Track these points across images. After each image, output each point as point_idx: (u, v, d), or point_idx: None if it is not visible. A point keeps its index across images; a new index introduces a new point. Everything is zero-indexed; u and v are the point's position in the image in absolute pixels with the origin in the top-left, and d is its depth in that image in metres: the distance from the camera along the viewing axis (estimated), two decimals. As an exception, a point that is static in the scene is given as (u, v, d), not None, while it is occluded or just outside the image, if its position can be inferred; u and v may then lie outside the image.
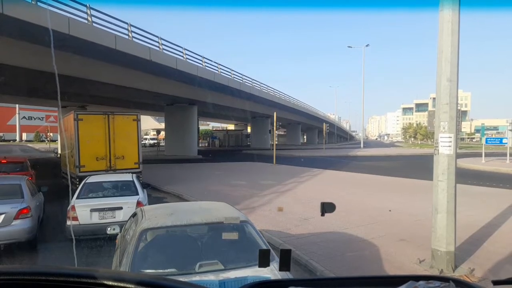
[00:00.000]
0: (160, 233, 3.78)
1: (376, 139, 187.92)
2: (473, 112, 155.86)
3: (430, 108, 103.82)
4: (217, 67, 29.59)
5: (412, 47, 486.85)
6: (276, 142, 46.37)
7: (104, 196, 7.92)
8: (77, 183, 9.91)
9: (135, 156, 13.15)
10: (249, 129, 66.08)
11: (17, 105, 58.12)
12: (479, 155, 28.53)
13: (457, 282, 1.16)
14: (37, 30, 12.17)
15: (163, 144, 40.33)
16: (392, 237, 7.44)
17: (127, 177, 9.01)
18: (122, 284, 1.03)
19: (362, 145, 58.81)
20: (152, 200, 10.14)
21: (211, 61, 28.80)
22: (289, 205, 10.77)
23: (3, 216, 6.51)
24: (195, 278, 3.12)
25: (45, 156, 28.93)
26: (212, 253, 3.54)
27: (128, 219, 4.72)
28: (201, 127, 63.40)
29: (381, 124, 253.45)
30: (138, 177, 9.78)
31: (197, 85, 27.28)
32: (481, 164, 24.43)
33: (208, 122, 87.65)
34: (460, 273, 5.42)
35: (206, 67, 27.80)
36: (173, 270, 3.25)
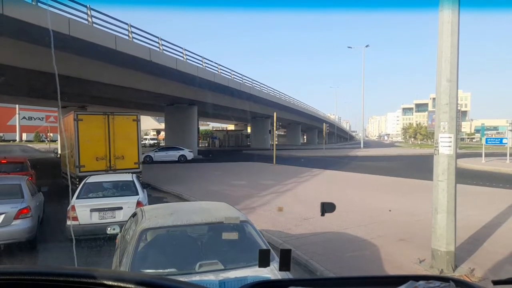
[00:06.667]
0: (160, 233, 3.78)
1: (376, 139, 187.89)
2: (473, 112, 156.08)
3: (430, 108, 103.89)
4: (217, 67, 29.60)
5: (412, 48, 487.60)
6: (276, 142, 46.36)
7: (104, 196, 7.91)
8: (77, 183, 9.91)
9: (135, 156, 13.17)
10: (249, 129, 66.08)
11: (17, 105, 58.16)
12: (479, 155, 28.55)
13: (457, 282, 1.16)
14: (37, 30, 12.17)
15: (163, 144, 40.31)
16: (392, 237, 7.44)
17: (127, 177, 9.01)
18: (122, 284, 1.03)
19: (362, 145, 58.80)
20: (152, 200, 10.13)
21: (211, 61, 28.86)
22: (289, 205, 10.76)
23: (3, 216, 6.51)
24: (195, 278, 3.12)
25: (45, 156, 28.97)
26: (212, 253, 3.55)
27: (128, 219, 4.72)
28: (201, 127, 63.44)
29: (381, 124, 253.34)
30: (138, 177, 9.79)
31: (197, 86, 27.30)
32: (481, 164, 24.43)
33: (208, 122, 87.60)
34: (460, 273, 5.42)
35: (206, 68, 27.79)
36: (173, 270, 3.25)
